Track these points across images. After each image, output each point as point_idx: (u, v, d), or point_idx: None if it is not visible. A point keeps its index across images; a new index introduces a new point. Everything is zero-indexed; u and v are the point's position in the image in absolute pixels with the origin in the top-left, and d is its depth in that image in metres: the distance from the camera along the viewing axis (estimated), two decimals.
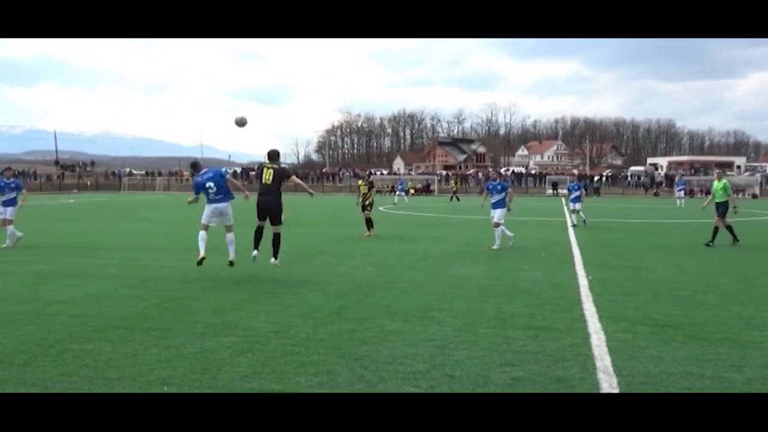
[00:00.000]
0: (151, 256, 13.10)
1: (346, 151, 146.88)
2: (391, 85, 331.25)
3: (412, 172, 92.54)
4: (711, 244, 15.28)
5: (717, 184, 16.13)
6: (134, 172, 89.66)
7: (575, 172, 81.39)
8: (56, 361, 5.66)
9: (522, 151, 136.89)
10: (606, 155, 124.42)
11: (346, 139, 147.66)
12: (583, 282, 9.99)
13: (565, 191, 60.69)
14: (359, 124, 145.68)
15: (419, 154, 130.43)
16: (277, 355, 5.87)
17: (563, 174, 76.94)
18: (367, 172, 24.77)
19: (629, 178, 73.75)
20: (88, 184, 73.76)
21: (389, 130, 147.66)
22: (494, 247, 14.47)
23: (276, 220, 10.06)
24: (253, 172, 73.67)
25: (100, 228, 20.83)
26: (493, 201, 14.97)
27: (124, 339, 6.42)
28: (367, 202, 18.10)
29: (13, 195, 15.03)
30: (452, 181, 58.15)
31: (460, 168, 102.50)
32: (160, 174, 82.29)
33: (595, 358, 5.80)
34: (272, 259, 9.97)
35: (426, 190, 64.45)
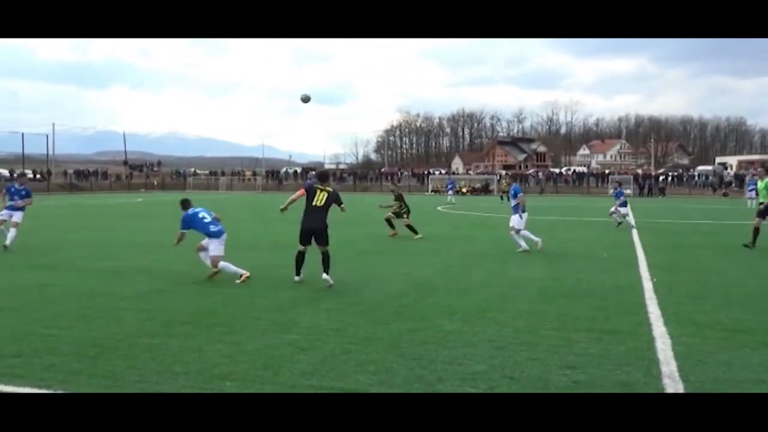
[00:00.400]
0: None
1: (405, 151, 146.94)
2: (450, 85, 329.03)
3: (471, 172, 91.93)
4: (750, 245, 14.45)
5: (761, 183, 15.43)
6: (198, 171, 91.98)
7: (639, 171, 79.38)
8: (126, 355, 5.87)
9: (584, 151, 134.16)
10: (672, 154, 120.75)
11: (404, 138, 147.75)
12: (647, 285, 9.74)
13: (628, 191, 59.57)
14: (418, 124, 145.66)
15: (478, 153, 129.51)
16: (336, 353, 5.94)
17: (626, 173, 75.06)
18: (392, 187, 21.22)
19: (696, 177, 71.34)
20: (155, 183, 76.05)
21: (448, 130, 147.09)
22: (518, 250, 13.79)
23: (326, 242, 9.67)
24: (312, 172, 74.86)
25: (166, 226, 21.38)
26: (511, 206, 14.41)
27: (190, 334, 6.61)
28: (402, 212, 17.49)
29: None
30: (503, 181, 57.37)
31: (520, 167, 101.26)
32: (223, 174, 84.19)
33: (660, 363, 5.65)
34: (325, 275, 9.38)
35: (485, 189, 63.88)
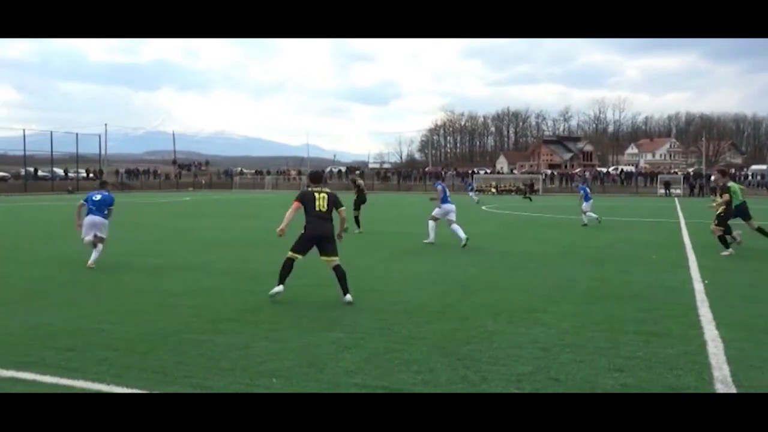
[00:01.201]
0: (261, 252, 13.57)
1: (449, 150, 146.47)
2: (494, 83, 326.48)
3: (515, 171, 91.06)
4: None
5: None
6: (245, 171, 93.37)
7: (690, 171, 77.30)
8: (174, 350, 5.99)
9: (632, 150, 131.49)
10: (724, 153, 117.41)
11: (448, 138, 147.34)
12: (698, 286, 9.49)
13: (678, 191, 58.05)
14: (462, 123, 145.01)
15: (523, 152, 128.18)
16: (380, 352, 5.95)
17: (677, 173, 73.32)
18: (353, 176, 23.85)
19: (750, 177, 69.24)
20: (203, 182, 77.47)
21: (492, 129, 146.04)
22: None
23: (335, 250, 8.58)
24: (358, 172, 75.22)
25: (213, 224, 21.81)
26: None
27: (236, 331, 6.71)
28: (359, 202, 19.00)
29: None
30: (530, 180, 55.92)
31: (566, 167, 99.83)
32: (268, 173, 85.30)
33: (712, 367, 5.50)
34: (347, 296, 8.24)
35: (530, 189, 63.17)
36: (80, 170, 68.28)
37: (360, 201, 19.02)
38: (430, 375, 5.30)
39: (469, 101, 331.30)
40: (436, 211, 15.60)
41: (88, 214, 11.57)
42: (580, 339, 6.46)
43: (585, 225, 20.51)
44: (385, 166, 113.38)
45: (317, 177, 9.35)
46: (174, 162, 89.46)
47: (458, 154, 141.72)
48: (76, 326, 6.90)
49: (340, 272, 8.36)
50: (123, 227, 20.64)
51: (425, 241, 15.34)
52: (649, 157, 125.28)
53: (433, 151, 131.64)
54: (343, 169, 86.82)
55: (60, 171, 67.56)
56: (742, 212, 14.50)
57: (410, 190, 70.72)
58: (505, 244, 15.79)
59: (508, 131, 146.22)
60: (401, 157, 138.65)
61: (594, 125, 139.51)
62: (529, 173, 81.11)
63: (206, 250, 14.17)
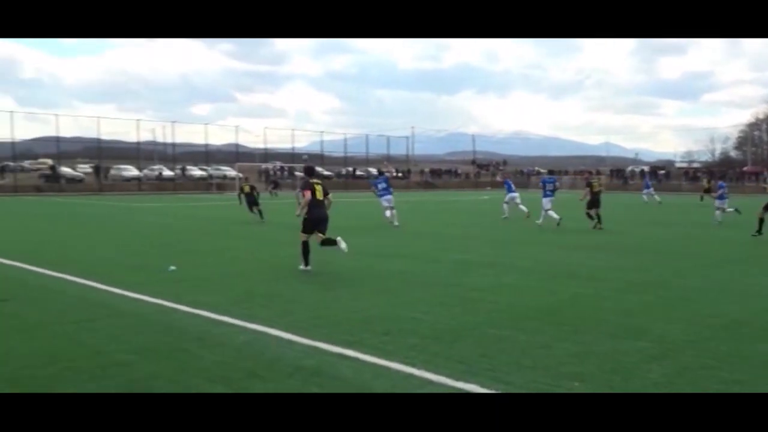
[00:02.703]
0: (562, 253, 13.38)
1: None
2: None
3: None
4: None
5: None
6: (541, 170, 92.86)
7: None
8: (477, 343, 6.21)
9: None
10: None
11: None
12: None
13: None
14: None
15: None
16: (693, 367, 5.49)
17: None
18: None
19: None
20: (501, 181, 78.95)
21: None
22: None
23: (326, 229, 10.88)
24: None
25: (507, 223, 22.03)
26: None
27: (537, 330, 6.73)
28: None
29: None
30: (704, 180, 42.46)
31: None
32: (566, 173, 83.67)
33: None
34: (343, 243, 10.43)
35: None
36: (392, 169, 74.19)
37: (592, 202, 18.95)
38: None
39: None
40: None
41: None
42: None
43: None
44: (694, 165, 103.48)
45: (311, 171, 12.05)
46: (473, 162, 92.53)
47: None
48: (391, 313, 7.55)
49: (325, 239, 10.65)
50: (426, 223, 22.06)
51: None
52: None
53: (753, 149, 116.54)
54: (646, 168, 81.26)
55: (373, 170, 74.23)
56: None
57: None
58: None
59: None
60: (713, 155, 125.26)
61: None
62: None
63: (506, 247, 14.43)
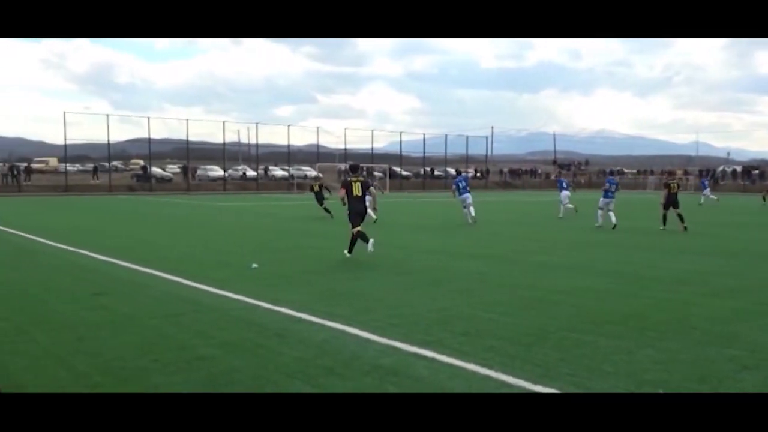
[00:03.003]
0: (643, 255, 12.96)
1: None
2: None
3: None
4: None
5: None
6: (626, 171, 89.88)
7: None
8: (557, 347, 6.10)
9: None
10: None
11: None
12: None
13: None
14: None
15: None
16: None
17: None
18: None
19: None
20: (582, 182, 76.90)
21: None
22: None
23: (362, 222, 12.13)
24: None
25: (583, 224, 21.44)
26: None
27: (619, 335, 6.54)
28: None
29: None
30: None
31: None
32: (651, 173, 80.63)
33: None
34: (372, 246, 11.63)
35: None
36: (470, 169, 73.70)
37: (669, 203, 18.88)
38: None
39: None
40: None
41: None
42: None
43: None
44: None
45: (354, 168, 13.10)
46: (554, 162, 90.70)
47: None
48: (468, 314, 7.51)
49: (361, 234, 11.88)
50: (505, 225, 21.84)
51: None
52: None
53: None
54: (739, 169, 77.20)
55: (452, 170, 73.86)
56: None
57: None
58: None
59: None
60: None
61: None
62: None
63: (585, 249, 14.08)
